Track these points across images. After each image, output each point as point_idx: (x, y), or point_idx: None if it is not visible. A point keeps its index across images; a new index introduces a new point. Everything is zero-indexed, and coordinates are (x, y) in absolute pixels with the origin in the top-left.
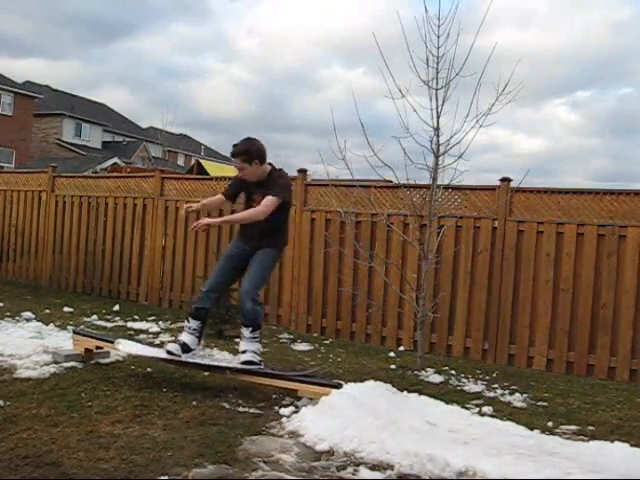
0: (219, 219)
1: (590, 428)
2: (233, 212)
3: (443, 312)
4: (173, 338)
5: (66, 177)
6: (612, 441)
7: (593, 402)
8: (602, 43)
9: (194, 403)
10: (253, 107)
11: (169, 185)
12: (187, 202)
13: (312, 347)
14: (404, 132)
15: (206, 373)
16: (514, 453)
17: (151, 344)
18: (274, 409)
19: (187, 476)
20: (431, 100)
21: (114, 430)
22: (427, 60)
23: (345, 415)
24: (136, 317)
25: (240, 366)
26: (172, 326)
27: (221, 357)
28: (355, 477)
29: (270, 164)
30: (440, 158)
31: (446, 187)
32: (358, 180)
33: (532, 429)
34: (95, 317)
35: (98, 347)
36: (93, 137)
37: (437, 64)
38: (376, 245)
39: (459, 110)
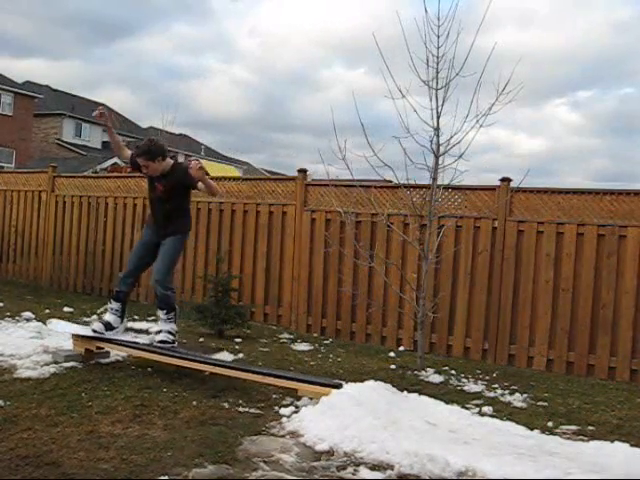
0: (213, 183)
1: (590, 428)
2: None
3: (443, 312)
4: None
5: (66, 177)
6: (612, 441)
7: (593, 402)
8: (603, 43)
9: (194, 403)
10: (254, 107)
11: None
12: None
13: (312, 347)
14: (404, 132)
15: (206, 373)
16: (514, 453)
17: (86, 323)
18: (274, 409)
19: (187, 476)
20: (431, 100)
21: (114, 430)
22: (427, 60)
23: (345, 415)
24: (136, 317)
25: (157, 345)
26: None
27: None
28: (355, 477)
29: (172, 158)
30: (440, 158)
31: (446, 187)
32: (358, 180)
33: (532, 429)
34: (95, 317)
35: (98, 347)
36: (93, 137)
37: (437, 64)
38: (376, 245)
39: (459, 110)
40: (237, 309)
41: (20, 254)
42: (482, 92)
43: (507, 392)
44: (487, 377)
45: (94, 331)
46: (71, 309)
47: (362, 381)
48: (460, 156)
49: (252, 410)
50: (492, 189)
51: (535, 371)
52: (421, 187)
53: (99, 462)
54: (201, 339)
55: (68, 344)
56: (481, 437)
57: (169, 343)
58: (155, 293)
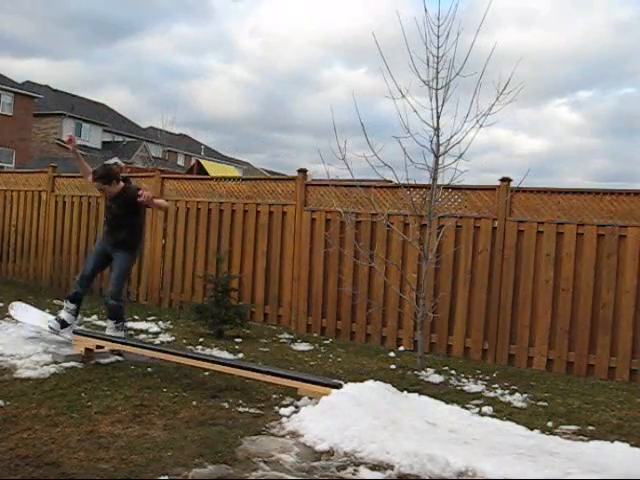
0: (160, 200)
1: (590, 428)
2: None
3: (443, 312)
4: (173, 338)
5: (66, 177)
6: (612, 441)
7: (593, 402)
8: (604, 43)
9: (194, 403)
10: (254, 107)
11: (169, 185)
12: (187, 202)
13: (312, 347)
14: (404, 132)
15: (207, 373)
16: (514, 453)
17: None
18: (274, 409)
19: (187, 476)
20: (431, 100)
21: (114, 430)
22: (427, 60)
23: (345, 415)
24: (136, 317)
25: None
26: (172, 326)
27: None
28: (355, 477)
29: (125, 181)
30: (440, 158)
31: (446, 187)
32: (358, 180)
33: (532, 429)
34: (95, 317)
35: (98, 347)
36: (93, 137)
37: (437, 64)
38: (376, 245)
39: (459, 110)
40: (237, 309)
41: (20, 254)
42: (482, 92)
43: (507, 392)
44: (487, 377)
45: (50, 327)
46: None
47: (362, 381)
48: (460, 156)
49: (252, 410)
50: (492, 189)
51: (535, 371)
52: (421, 187)
53: (99, 462)
54: (201, 339)
55: (68, 344)
56: (481, 437)
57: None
58: (106, 303)
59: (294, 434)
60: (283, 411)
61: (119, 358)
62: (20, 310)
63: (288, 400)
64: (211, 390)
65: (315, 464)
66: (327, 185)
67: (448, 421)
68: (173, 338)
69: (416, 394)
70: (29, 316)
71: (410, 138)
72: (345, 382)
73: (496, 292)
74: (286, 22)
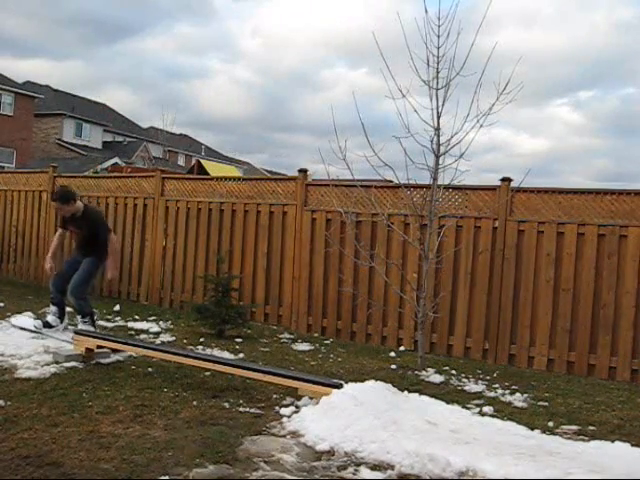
0: (113, 265)
1: (591, 428)
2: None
3: (444, 312)
4: (174, 338)
5: (66, 177)
6: (613, 441)
7: (594, 402)
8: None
9: (195, 403)
10: (256, 107)
11: (169, 185)
12: (187, 202)
13: (313, 347)
14: (405, 132)
15: (207, 373)
16: (515, 453)
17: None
18: (275, 409)
19: (188, 476)
20: (431, 100)
21: (115, 430)
22: (427, 60)
23: (346, 415)
24: (137, 317)
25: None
26: (172, 326)
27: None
28: (356, 477)
29: (83, 203)
30: (441, 158)
31: (447, 187)
32: (359, 180)
33: (533, 429)
34: (95, 317)
35: (99, 347)
36: (93, 137)
37: (437, 64)
38: (377, 245)
39: (460, 110)
40: (238, 309)
41: (21, 254)
42: (483, 92)
43: (508, 392)
44: (488, 377)
45: (35, 327)
46: (71, 309)
47: (363, 381)
48: (460, 156)
49: (252, 410)
50: (493, 189)
51: (536, 371)
52: (422, 187)
53: (100, 462)
54: (202, 339)
55: (68, 344)
56: (482, 437)
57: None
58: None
59: (295, 434)
60: (284, 411)
61: (119, 358)
62: (18, 321)
63: (289, 400)
64: (212, 390)
65: (316, 464)
66: (328, 185)
67: (449, 421)
68: (174, 338)
69: (417, 394)
70: (20, 320)
71: (410, 138)
72: (346, 382)
73: (497, 292)
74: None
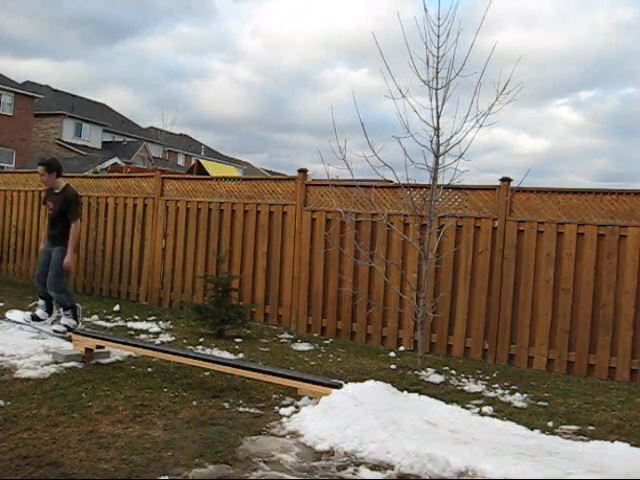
0: (71, 252)
1: (590, 428)
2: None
3: (443, 312)
4: (174, 338)
5: (66, 177)
6: (612, 441)
7: (593, 402)
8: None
9: (194, 403)
10: (256, 107)
11: (169, 185)
12: (187, 202)
13: (312, 347)
14: (404, 132)
15: (207, 373)
16: (514, 453)
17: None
18: (274, 409)
19: (187, 476)
20: (431, 100)
21: (114, 430)
22: (427, 60)
23: (345, 415)
24: (136, 317)
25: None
26: (172, 326)
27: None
28: (355, 477)
29: (66, 183)
30: (440, 158)
31: (446, 187)
32: (358, 180)
33: (532, 429)
34: (95, 317)
35: (99, 347)
36: (93, 137)
37: (437, 64)
38: (376, 245)
39: (459, 110)
40: (237, 309)
41: (20, 254)
42: (483, 92)
43: (507, 392)
44: (487, 377)
45: (25, 320)
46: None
47: (362, 381)
48: (460, 156)
49: (252, 410)
50: (492, 189)
51: (535, 371)
52: (421, 187)
53: (99, 462)
54: (201, 339)
55: (68, 344)
56: (481, 437)
57: (59, 333)
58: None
59: (294, 434)
60: (283, 411)
61: (119, 358)
62: (13, 315)
63: (288, 400)
64: (211, 390)
65: (315, 464)
66: (327, 185)
67: (448, 421)
68: (173, 338)
69: (416, 394)
70: (13, 314)
71: (410, 138)
72: (345, 382)
73: (496, 292)
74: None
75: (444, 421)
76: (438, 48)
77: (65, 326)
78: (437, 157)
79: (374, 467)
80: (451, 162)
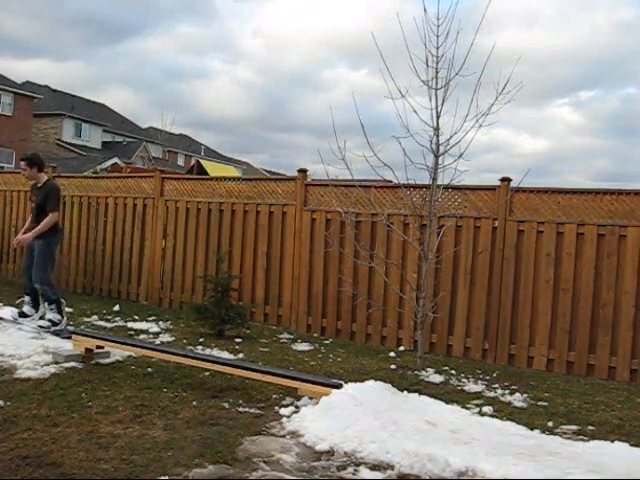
0: (34, 234)
1: (590, 428)
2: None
3: (443, 312)
4: (173, 338)
5: (66, 177)
6: (612, 441)
7: (593, 402)
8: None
9: (194, 403)
10: (257, 107)
11: (169, 185)
12: (187, 202)
13: (312, 347)
14: (404, 132)
15: (207, 373)
16: (514, 453)
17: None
18: (274, 409)
19: (187, 476)
20: (431, 100)
21: (114, 430)
22: (427, 60)
23: (345, 415)
24: (136, 317)
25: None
26: (172, 326)
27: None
28: (355, 477)
29: (48, 177)
30: (440, 158)
31: (446, 187)
32: (358, 180)
33: (532, 429)
34: (95, 317)
35: (99, 347)
36: (93, 137)
37: (436, 64)
38: (376, 245)
39: (459, 110)
40: (237, 309)
41: (20, 254)
42: (483, 92)
43: (507, 392)
44: (487, 377)
45: (12, 317)
46: (71, 309)
47: (362, 381)
48: (460, 156)
49: (252, 410)
50: (492, 189)
51: (535, 371)
52: (421, 187)
53: (99, 462)
54: (201, 339)
55: (68, 344)
56: (481, 437)
57: (44, 328)
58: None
59: (294, 434)
60: (283, 411)
61: (119, 358)
62: (2, 312)
63: (288, 400)
64: (211, 390)
65: (315, 464)
66: (327, 185)
67: (448, 421)
68: (173, 338)
69: (416, 394)
70: (2, 311)
71: (410, 138)
72: (345, 382)
73: (496, 292)
74: (289, 22)
75: (444, 421)
76: (437, 48)
77: (50, 321)
78: (437, 157)
79: (374, 467)
80: (451, 162)
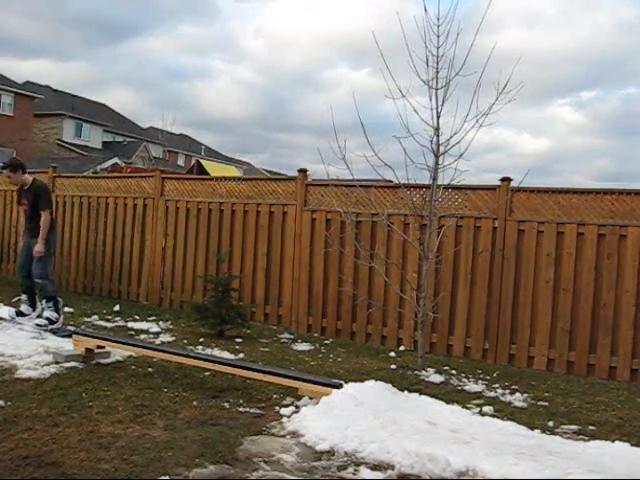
0: (42, 242)
1: (591, 428)
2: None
3: (443, 312)
4: (174, 338)
5: (66, 177)
6: (613, 441)
7: (594, 402)
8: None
9: (195, 403)
10: (258, 107)
11: (169, 185)
12: (187, 202)
13: (313, 347)
14: (405, 132)
15: (207, 373)
16: (515, 453)
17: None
18: (275, 409)
19: (188, 476)
20: (431, 100)
21: (115, 430)
22: (427, 60)
23: (346, 415)
24: (136, 317)
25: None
26: (172, 326)
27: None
28: (356, 477)
29: (33, 177)
30: (440, 158)
31: (446, 187)
32: (358, 180)
33: (533, 429)
34: (95, 317)
35: (99, 347)
36: (93, 137)
37: (437, 64)
38: (376, 245)
39: (459, 110)
40: (237, 309)
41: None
42: (484, 92)
43: (508, 392)
44: (487, 377)
45: (10, 316)
46: (71, 309)
47: (362, 381)
48: (460, 156)
49: (252, 410)
50: (492, 189)
51: (536, 371)
52: (421, 187)
53: (99, 462)
54: (201, 339)
55: (69, 344)
56: (482, 437)
57: (41, 326)
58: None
59: (295, 434)
60: (284, 411)
61: (119, 358)
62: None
63: (289, 400)
64: (212, 390)
65: (316, 464)
66: (327, 185)
67: (449, 421)
68: (174, 338)
69: (417, 394)
70: (0, 310)
71: (410, 138)
72: (346, 382)
73: (496, 292)
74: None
75: (444, 421)
76: (438, 48)
77: (47, 319)
78: (437, 157)
79: (374, 467)
80: (451, 162)
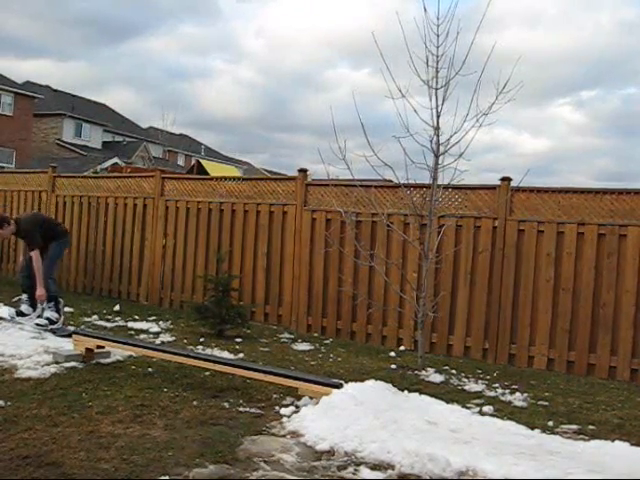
0: (41, 281)
1: (591, 427)
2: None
3: (443, 312)
4: (174, 338)
5: (66, 177)
6: (613, 440)
7: (594, 401)
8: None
9: (195, 403)
10: (258, 107)
11: (169, 185)
12: (187, 202)
13: (313, 347)
14: (405, 132)
15: (207, 373)
16: (515, 452)
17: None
18: (275, 409)
19: (188, 476)
20: (431, 99)
21: (115, 430)
22: (427, 59)
23: (346, 415)
24: (136, 317)
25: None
26: (172, 326)
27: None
28: (356, 477)
29: (15, 220)
30: (440, 157)
31: (446, 187)
32: (358, 180)
33: (533, 428)
34: (95, 317)
35: (99, 347)
36: (93, 137)
37: (437, 63)
38: (376, 245)
39: (459, 109)
40: (237, 309)
41: (21, 254)
42: (484, 92)
43: (508, 391)
44: (487, 376)
45: (10, 316)
46: (71, 309)
47: (363, 381)
48: (460, 155)
49: (252, 410)
50: (492, 188)
51: (536, 370)
52: (421, 187)
53: (99, 462)
54: (202, 339)
55: (69, 344)
56: (482, 437)
57: (41, 326)
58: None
59: (295, 434)
60: (284, 411)
61: (119, 358)
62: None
63: (289, 400)
64: (212, 390)
65: (316, 464)
66: (327, 185)
67: (449, 421)
68: (174, 338)
69: (417, 394)
70: (0, 310)
71: (410, 138)
72: (346, 382)
73: (496, 292)
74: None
75: (444, 421)
76: (437, 47)
77: (47, 319)
78: (437, 157)
79: (374, 467)
80: (451, 162)
